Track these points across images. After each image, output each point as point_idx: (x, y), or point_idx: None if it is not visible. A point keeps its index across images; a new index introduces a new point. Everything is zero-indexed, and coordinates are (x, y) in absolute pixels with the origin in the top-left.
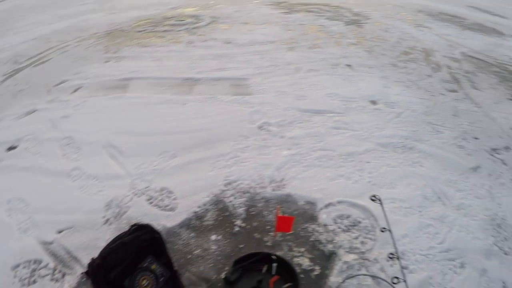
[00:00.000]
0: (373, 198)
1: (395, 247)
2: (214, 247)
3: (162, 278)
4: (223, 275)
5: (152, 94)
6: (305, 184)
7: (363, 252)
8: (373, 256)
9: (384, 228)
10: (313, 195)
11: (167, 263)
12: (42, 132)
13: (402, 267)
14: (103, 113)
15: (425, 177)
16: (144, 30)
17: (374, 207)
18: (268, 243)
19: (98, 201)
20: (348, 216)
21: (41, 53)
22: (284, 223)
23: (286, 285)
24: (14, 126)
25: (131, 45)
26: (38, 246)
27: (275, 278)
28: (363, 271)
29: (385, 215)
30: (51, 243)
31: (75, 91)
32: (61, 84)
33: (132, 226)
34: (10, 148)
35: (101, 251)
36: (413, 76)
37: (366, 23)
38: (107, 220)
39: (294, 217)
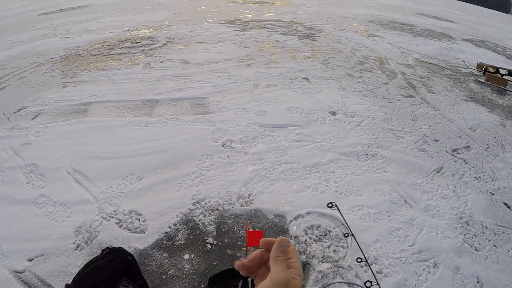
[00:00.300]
0: (330, 205)
1: (362, 251)
2: (188, 266)
3: None
4: None
5: (113, 118)
6: (272, 198)
7: (336, 260)
8: (347, 263)
9: (347, 233)
10: (281, 208)
11: (143, 285)
12: (4, 160)
13: (375, 272)
14: (65, 138)
15: (391, 182)
16: (100, 54)
17: (343, 214)
18: (242, 258)
19: (67, 227)
20: (318, 226)
21: None
22: (254, 238)
23: None
24: None
25: (88, 69)
26: (9, 275)
27: None
28: (338, 279)
29: (344, 220)
30: (22, 272)
31: (35, 117)
32: (20, 111)
33: (104, 250)
34: None
35: (75, 277)
36: (369, 85)
37: (320, 36)
38: (78, 246)
39: (264, 231)
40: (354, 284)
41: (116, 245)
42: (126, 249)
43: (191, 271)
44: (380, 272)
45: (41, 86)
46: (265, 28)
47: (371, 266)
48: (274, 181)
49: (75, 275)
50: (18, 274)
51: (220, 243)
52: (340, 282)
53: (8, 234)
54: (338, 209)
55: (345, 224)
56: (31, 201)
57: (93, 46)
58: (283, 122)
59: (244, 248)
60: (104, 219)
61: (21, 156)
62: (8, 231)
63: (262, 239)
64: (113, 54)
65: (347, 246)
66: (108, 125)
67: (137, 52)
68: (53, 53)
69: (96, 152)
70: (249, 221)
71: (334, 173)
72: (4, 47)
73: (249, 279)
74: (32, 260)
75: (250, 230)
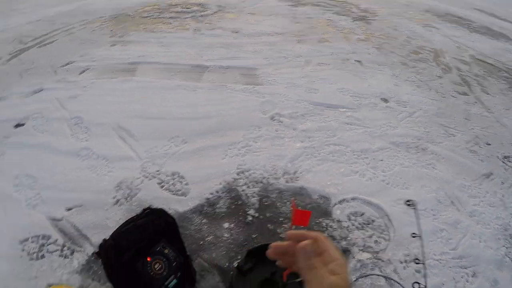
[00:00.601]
0: (409, 203)
1: (423, 255)
2: (226, 235)
3: (174, 263)
4: (235, 264)
5: (161, 79)
6: (318, 178)
7: (376, 252)
8: (387, 256)
9: (415, 234)
10: (326, 189)
11: (180, 248)
12: (50, 111)
13: (414, 270)
14: (111, 95)
15: (439, 180)
16: (150, 16)
17: (388, 206)
18: (282, 235)
19: (108, 181)
20: (362, 214)
21: (46, 34)
22: (301, 217)
23: (300, 278)
24: (21, 104)
25: (138, 30)
26: (46, 222)
27: (289, 270)
28: (377, 271)
29: (418, 221)
30: (60, 220)
31: (82, 72)
32: (68, 65)
33: (145, 209)
34: (18, 125)
35: (113, 233)
36: (423, 76)
37: (374, 20)
38: (117, 201)
39: (311, 212)
40: (392, 279)
41: (156, 205)
42: (167, 210)
43: (229, 240)
44: (418, 271)
45: (90, 43)
46: (318, 5)
47: (411, 264)
48: (322, 161)
49: (113, 231)
50: (56, 221)
51: (261, 217)
52: (378, 275)
53: (49, 183)
54: (415, 209)
55: (417, 224)
56: (74, 153)
57: (143, 9)
58: (334, 102)
59: (285, 225)
60: (146, 177)
61: (67, 108)
62: (49, 180)
63: (290, 231)
64: (163, 18)
65: (389, 239)
66: (156, 86)
67: (187, 18)
68: (103, 12)
69: (142, 111)
70: (294, 198)
71: (382, 162)
72: (54, 3)
73: None
74: (70, 209)
75: (297, 208)
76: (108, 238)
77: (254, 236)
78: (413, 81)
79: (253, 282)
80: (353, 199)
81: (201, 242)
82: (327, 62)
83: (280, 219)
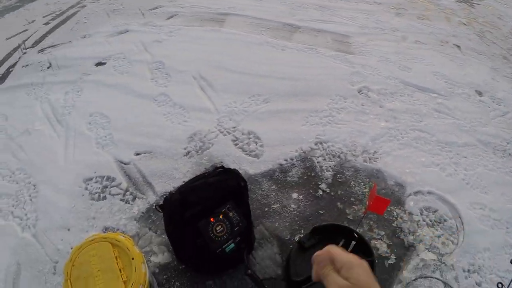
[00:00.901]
0: None
1: None
2: (293, 206)
3: (237, 228)
4: (297, 238)
5: (249, 33)
6: (398, 163)
7: (442, 254)
8: (451, 261)
9: None
10: (404, 177)
11: (245, 213)
12: (133, 53)
13: (475, 282)
14: (197, 43)
15: None
16: None
17: (463, 208)
18: (350, 217)
19: (181, 130)
20: (435, 210)
21: None
22: (378, 204)
23: None
24: (105, 43)
25: None
26: (113, 164)
27: None
28: (437, 275)
29: None
30: (127, 163)
31: (169, 18)
32: (156, 9)
33: (218, 167)
34: (99, 64)
35: (181, 187)
36: None
37: (478, 4)
38: (188, 152)
39: (391, 200)
40: (451, 286)
41: (227, 163)
42: (241, 173)
43: (295, 212)
44: (479, 285)
45: None
46: None
47: (473, 274)
48: (404, 145)
49: (181, 184)
50: (122, 164)
51: (332, 193)
52: (437, 279)
53: (122, 124)
54: None
55: None
56: (151, 97)
57: None
58: (426, 85)
59: (355, 207)
60: (221, 132)
61: (150, 52)
62: (122, 121)
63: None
64: None
65: (457, 243)
66: (244, 40)
67: None
68: None
69: (227, 64)
70: (375, 182)
71: (466, 159)
72: None
73: (353, 242)
74: (139, 154)
75: (377, 195)
76: (174, 191)
77: (321, 212)
78: None
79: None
80: (429, 193)
81: (266, 209)
82: (424, 41)
83: (351, 199)
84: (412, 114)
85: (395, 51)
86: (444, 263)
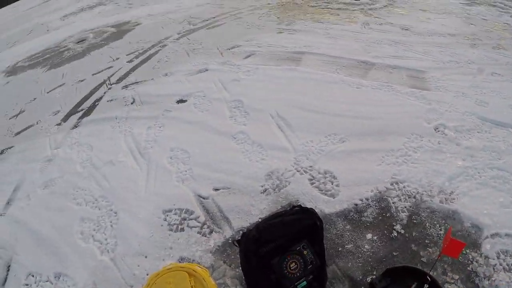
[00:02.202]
0: None
1: None
2: (367, 246)
3: (310, 266)
4: (369, 279)
5: (325, 72)
6: (475, 204)
7: None
8: None
9: None
10: (481, 218)
11: (319, 253)
12: (212, 91)
13: None
14: (274, 83)
15: None
16: (317, 6)
17: None
18: (423, 259)
19: (259, 168)
20: None
21: (214, 17)
22: (453, 247)
23: None
24: (185, 81)
25: (305, 19)
26: (193, 198)
27: None
28: None
29: None
30: (206, 198)
31: (247, 57)
32: (234, 49)
33: (295, 206)
34: (180, 101)
35: (258, 224)
36: None
37: None
38: (265, 190)
39: (466, 244)
40: None
41: (303, 201)
42: (317, 212)
43: (368, 252)
44: None
45: (257, 28)
46: (495, 6)
47: None
48: (482, 185)
49: (259, 222)
50: (201, 199)
51: (407, 234)
52: None
53: (202, 160)
54: None
55: None
56: (230, 135)
57: None
58: (505, 120)
59: (430, 249)
60: (298, 171)
61: (229, 90)
62: (202, 157)
63: None
64: (330, 8)
65: None
66: (319, 79)
67: (355, 10)
68: None
69: (303, 103)
70: (451, 226)
71: None
72: None
73: (426, 286)
74: (218, 190)
75: (452, 237)
76: (252, 228)
77: (395, 253)
78: None
79: None
80: (507, 235)
81: (340, 249)
82: (501, 73)
83: (426, 241)
84: (490, 151)
85: (471, 85)
86: None
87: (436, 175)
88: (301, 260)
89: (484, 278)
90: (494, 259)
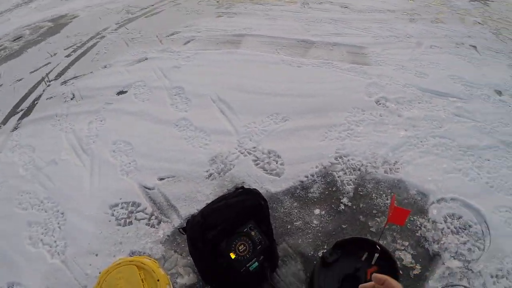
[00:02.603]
0: None
1: None
2: (315, 221)
3: (259, 246)
4: (320, 253)
5: (265, 53)
6: (419, 172)
7: (468, 261)
8: (478, 268)
9: None
10: (426, 185)
11: (267, 232)
12: (153, 79)
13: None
14: (214, 66)
15: None
16: None
17: (488, 212)
18: (373, 229)
19: (203, 154)
20: (459, 217)
21: (153, 5)
22: (398, 215)
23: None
24: (125, 72)
25: (244, 1)
26: (138, 189)
27: (374, 269)
28: (464, 282)
29: None
30: (151, 188)
31: (186, 43)
32: (173, 35)
33: (238, 188)
34: (120, 93)
35: (203, 209)
36: None
37: (493, 2)
38: (210, 175)
39: (410, 211)
40: None
41: (249, 183)
42: (258, 189)
43: (317, 228)
44: None
45: (196, 13)
46: None
47: (502, 280)
48: (424, 153)
49: (203, 207)
50: (147, 190)
51: (354, 206)
52: (465, 286)
53: (145, 151)
54: None
55: None
56: (172, 123)
57: None
58: (443, 90)
59: (378, 219)
60: (241, 153)
61: (169, 78)
62: (145, 147)
63: (374, 274)
64: None
65: (484, 249)
66: (260, 60)
67: None
68: None
69: (244, 85)
70: (396, 193)
71: (489, 162)
72: None
73: (376, 255)
74: (163, 179)
75: (397, 206)
76: (196, 214)
77: (344, 226)
78: None
79: (335, 276)
80: (453, 199)
81: (289, 226)
82: (439, 45)
83: (374, 212)
84: (431, 120)
85: (410, 58)
86: (471, 270)
87: (379, 146)
88: (250, 242)
89: (433, 242)
90: (441, 223)
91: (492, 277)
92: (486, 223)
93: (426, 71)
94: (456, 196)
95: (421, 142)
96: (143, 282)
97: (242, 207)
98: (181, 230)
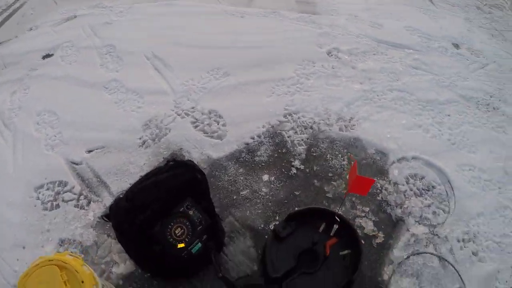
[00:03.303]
0: None
1: None
2: (265, 189)
3: (200, 227)
4: (272, 226)
5: (206, 4)
6: (377, 128)
7: (434, 226)
8: (444, 232)
9: None
10: (385, 143)
11: (208, 209)
12: (81, 39)
13: (472, 252)
14: (149, 20)
15: (508, 147)
16: None
17: (451, 171)
18: (329, 195)
19: (135, 118)
20: (422, 178)
21: None
22: (361, 184)
23: (345, 252)
24: (52, 32)
25: None
26: (65, 166)
27: (333, 241)
28: (431, 249)
29: None
30: (79, 163)
31: None
32: None
33: (169, 161)
34: (46, 56)
35: (128, 190)
36: (498, 25)
37: None
38: (144, 142)
39: (375, 180)
40: (446, 260)
41: (187, 148)
42: (198, 156)
43: (267, 196)
44: (475, 254)
45: None
46: None
47: (469, 244)
48: (382, 108)
49: (129, 187)
50: (74, 165)
51: (307, 170)
52: (431, 254)
53: (72, 119)
54: None
55: None
56: (101, 86)
57: None
58: (400, 41)
59: (334, 183)
60: (178, 115)
61: (99, 36)
62: (72, 115)
63: None
64: None
65: (449, 211)
66: (200, 11)
67: None
68: None
69: (182, 39)
70: (353, 155)
71: (449, 117)
72: None
73: (335, 226)
74: (91, 151)
75: (359, 175)
76: (120, 197)
77: (297, 193)
78: (488, 29)
79: (290, 251)
80: (414, 158)
81: (235, 197)
82: None
83: (329, 175)
84: (388, 73)
85: (364, 8)
86: (437, 235)
87: (333, 101)
88: (188, 223)
89: (396, 207)
90: (403, 185)
91: (459, 241)
92: (449, 183)
93: (380, 22)
94: (417, 155)
95: (377, 96)
96: (66, 284)
97: (175, 183)
98: (104, 217)
